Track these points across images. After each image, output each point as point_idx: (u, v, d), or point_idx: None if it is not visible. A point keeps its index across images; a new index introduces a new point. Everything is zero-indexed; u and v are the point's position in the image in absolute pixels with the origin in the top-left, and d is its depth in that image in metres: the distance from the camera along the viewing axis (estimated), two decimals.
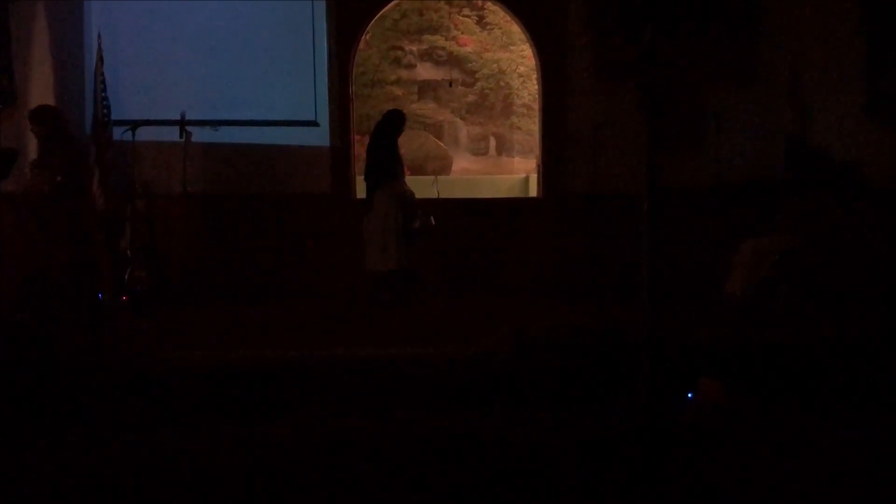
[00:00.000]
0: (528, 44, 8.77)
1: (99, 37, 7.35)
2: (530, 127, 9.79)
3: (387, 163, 7.01)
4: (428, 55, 9.91)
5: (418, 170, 9.51)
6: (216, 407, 4.28)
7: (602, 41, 7.99)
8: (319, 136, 7.97)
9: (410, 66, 9.91)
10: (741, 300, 6.30)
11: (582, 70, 8.00)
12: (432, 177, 8.78)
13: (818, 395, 3.65)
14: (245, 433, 2.72)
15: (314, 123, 7.92)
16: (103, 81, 7.30)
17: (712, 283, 6.86)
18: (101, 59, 7.29)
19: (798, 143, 7.39)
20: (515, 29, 9.28)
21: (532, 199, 8.71)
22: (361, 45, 8.39)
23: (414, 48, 9.90)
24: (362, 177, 7.44)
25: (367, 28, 8.32)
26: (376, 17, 8.28)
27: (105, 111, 7.30)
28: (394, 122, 7.17)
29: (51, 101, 7.33)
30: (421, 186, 7.85)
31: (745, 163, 7.91)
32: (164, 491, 2.48)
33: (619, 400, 3.40)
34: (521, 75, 9.92)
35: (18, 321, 5.75)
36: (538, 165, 8.51)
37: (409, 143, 9.16)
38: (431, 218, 7.06)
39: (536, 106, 9.01)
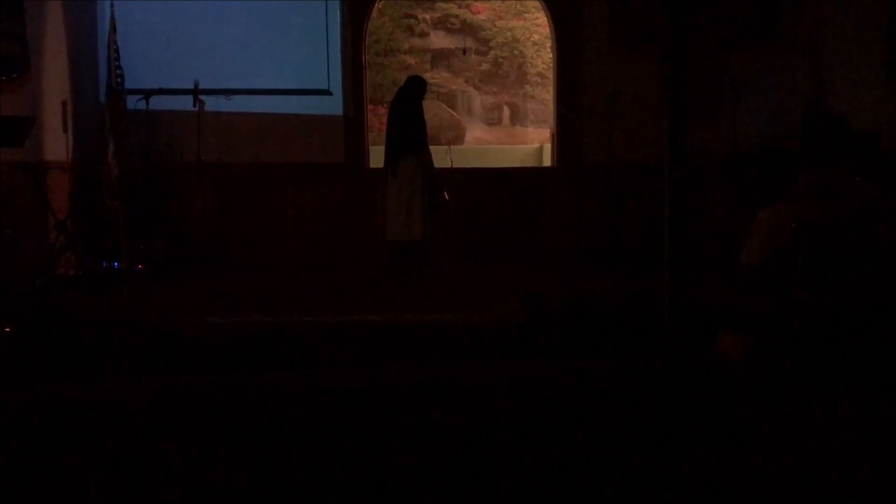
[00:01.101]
0: (542, 11, 8.69)
1: (112, 5, 7.32)
2: (544, 96, 9.72)
3: (412, 131, 6.82)
4: (441, 23, 9.83)
5: (432, 139, 9.42)
6: (231, 367, 4.32)
7: (618, 8, 7.90)
8: (333, 105, 7.95)
9: (423, 35, 9.84)
10: (758, 269, 6.26)
11: (597, 38, 7.92)
12: (446, 146, 8.73)
13: (838, 359, 3.64)
14: (263, 379, 2.76)
15: (327, 92, 7.89)
16: (116, 50, 7.28)
17: (728, 253, 6.83)
18: (114, 27, 7.27)
19: (817, 111, 7.30)
20: None
21: (546, 168, 8.67)
22: (374, 13, 8.33)
23: (427, 16, 9.81)
24: (378, 146, 7.39)
25: None
26: None
27: (118, 80, 7.29)
28: (418, 88, 6.97)
29: (64, 69, 7.34)
30: (435, 156, 7.82)
31: (762, 130, 7.83)
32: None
33: (631, 357, 3.41)
34: (535, 44, 9.83)
35: (38, 286, 5.80)
36: (552, 135, 8.46)
37: (424, 113, 9.09)
38: (445, 193, 6.95)
39: (551, 75, 8.95)
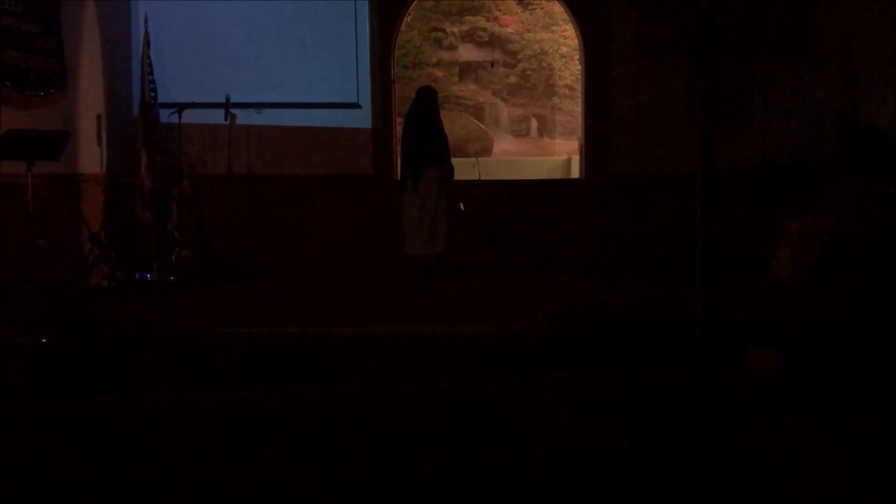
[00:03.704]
0: (570, 24, 8.70)
1: (146, 20, 7.46)
2: (572, 108, 9.72)
3: (435, 143, 6.70)
4: (469, 36, 9.88)
5: (460, 152, 9.49)
6: (259, 378, 4.36)
7: (645, 19, 7.90)
8: (361, 118, 8.02)
9: (451, 48, 9.89)
10: (789, 281, 6.20)
11: (625, 49, 7.92)
12: (473, 159, 8.77)
13: (873, 371, 3.59)
14: (287, 393, 2.79)
15: (356, 105, 7.97)
16: (150, 65, 7.41)
17: (758, 265, 6.77)
18: (147, 42, 7.40)
19: (848, 122, 7.23)
20: (558, 9, 9.20)
21: (574, 179, 8.66)
22: (403, 26, 8.40)
23: (455, 29, 9.87)
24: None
25: (409, 10, 8.33)
26: None
27: (152, 94, 7.42)
28: (433, 99, 6.84)
29: (99, 84, 7.48)
30: (462, 168, 7.85)
31: (792, 142, 7.76)
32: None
33: (662, 372, 3.38)
34: (563, 56, 9.84)
35: (73, 296, 5.91)
36: (580, 146, 8.45)
37: (450, 125, 9.13)
38: (461, 204, 6.85)
39: (578, 87, 8.94)
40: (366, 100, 8.01)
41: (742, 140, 7.69)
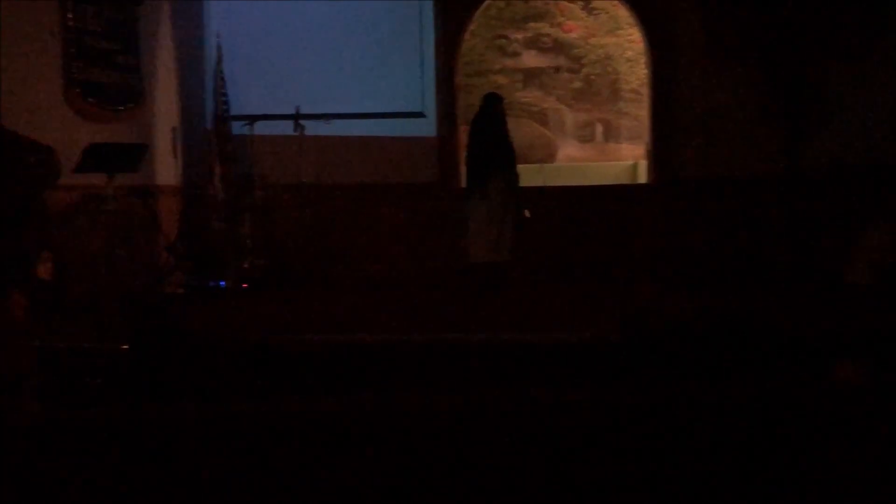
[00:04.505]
0: (635, 27, 8.62)
1: (219, 36, 7.69)
2: (638, 112, 9.61)
3: (502, 150, 6.71)
4: (533, 43, 9.86)
5: (523, 158, 9.47)
6: (331, 385, 4.44)
7: (713, 22, 7.78)
8: (426, 127, 8.10)
9: (515, 55, 9.89)
10: (865, 288, 6.02)
11: (692, 52, 7.82)
12: (538, 165, 8.75)
13: None
14: (365, 402, 2.83)
15: (421, 114, 8.05)
16: (223, 78, 7.63)
17: (831, 270, 6.59)
18: (220, 57, 7.63)
19: None
20: (622, 13, 9.11)
21: (641, 185, 8.57)
22: (466, 34, 8.45)
23: (519, 36, 9.87)
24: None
25: (473, 18, 8.37)
26: (482, 7, 8.33)
27: (225, 107, 7.63)
28: (499, 105, 6.86)
29: (174, 98, 7.73)
30: (527, 175, 7.83)
31: (867, 143, 7.54)
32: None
33: (736, 386, 3.32)
34: (628, 60, 9.74)
35: (152, 304, 6.11)
36: (647, 151, 8.37)
37: (514, 131, 9.12)
38: (526, 211, 6.83)
39: (644, 91, 8.85)
40: (430, 108, 8.08)
41: (815, 143, 7.51)
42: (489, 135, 6.81)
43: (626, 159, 9.67)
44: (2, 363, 4.68)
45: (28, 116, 5.66)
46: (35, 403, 4.58)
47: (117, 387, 4.65)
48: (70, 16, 6.32)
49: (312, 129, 7.78)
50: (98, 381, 4.75)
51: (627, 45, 9.68)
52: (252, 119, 7.48)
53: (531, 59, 9.87)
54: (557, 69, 9.76)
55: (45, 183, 4.65)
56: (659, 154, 7.97)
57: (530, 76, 9.89)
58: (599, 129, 9.87)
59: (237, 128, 7.64)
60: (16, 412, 4.39)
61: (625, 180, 9.29)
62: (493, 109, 6.86)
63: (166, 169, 7.52)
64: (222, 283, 7.10)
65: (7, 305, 4.73)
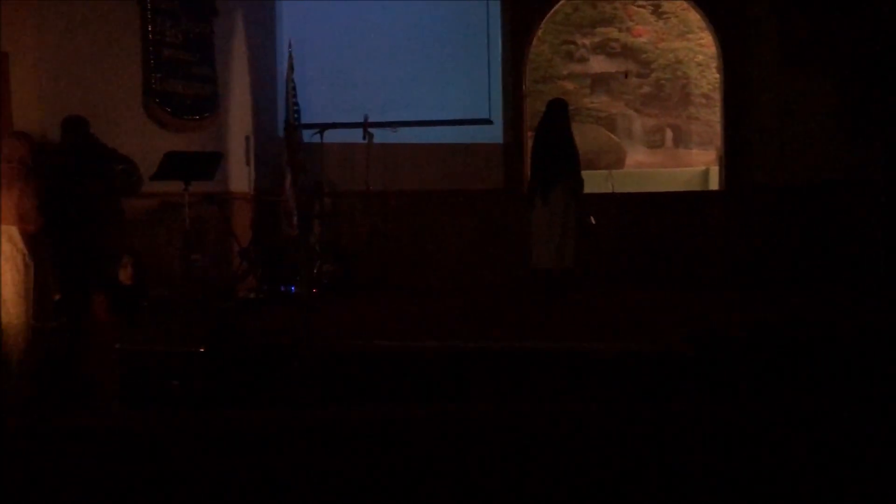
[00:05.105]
0: (707, 31, 8.47)
1: (290, 45, 7.84)
2: (709, 117, 9.44)
3: (566, 156, 6.66)
4: (601, 48, 9.78)
5: (590, 164, 9.39)
6: (401, 391, 4.47)
7: (789, 25, 7.59)
8: (493, 133, 8.10)
9: (583, 60, 9.82)
10: None
11: (766, 56, 7.65)
12: (605, 171, 8.64)
13: None
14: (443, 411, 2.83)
15: (488, 121, 8.04)
16: (294, 87, 7.77)
17: None
18: (291, 66, 7.77)
19: None
20: (693, 17, 8.97)
21: (713, 191, 8.40)
22: (533, 40, 8.43)
23: (587, 41, 9.80)
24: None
25: (541, 24, 8.35)
26: (549, 12, 8.30)
27: (295, 115, 7.77)
28: (564, 111, 6.82)
29: (247, 107, 7.91)
30: (594, 181, 7.76)
31: None
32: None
33: (820, 399, 3.20)
34: (699, 64, 9.58)
35: (227, 309, 6.26)
36: (719, 157, 8.20)
37: (581, 137, 9.05)
38: (592, 217, 6.75)
39: (716, 95, 8.69)
40: (497, 115, 8.08)
41: (893, 148, 7.26)
42: (552, 141, 6.76)
43: (696, 165, 9.50)
44: (85, 364, 4.86)
45: (108, 126, 5.87)
46: (117, 403, 4.74)
47: (194, 389, 4.78)
48: (150, 28, 6.54)
49: (380, 136, 7.86)
50: (175, 383, 4.89)
51: (698, 50, 9.51)
52: (322, 127, 7.59)
53: (599, 65, 9.79)
54: (626, 74, 9.65)
55: (129, 191, 4.81)
56: (731, 160, 7.80)
57: (598, 81, 9.80)
58: (669, 134, 9.72)
59: (308, 136, 7.77)
60: (99, 412, 4.54)
61: (696, 187, 9.12)
62: (557, 115, 6.81)
63: (239, 176, 7.69)
64: (292, 288, 7.21)
65: (90, 308, 4.91)
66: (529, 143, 8.26)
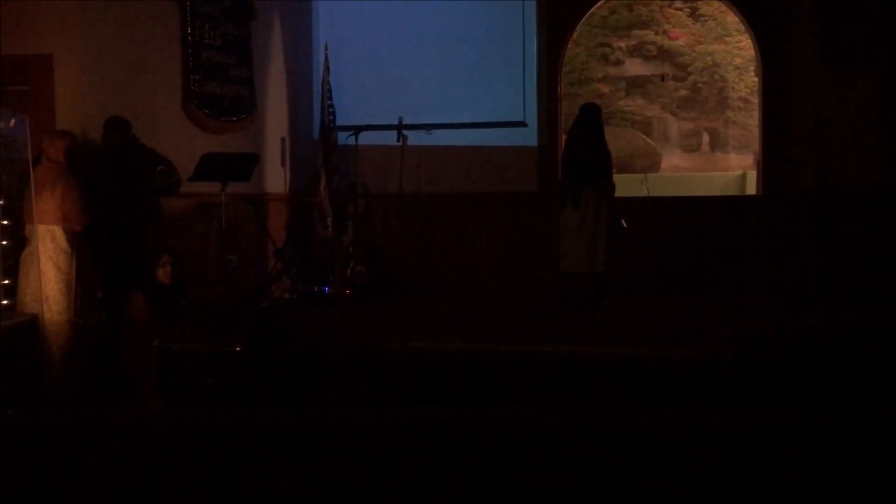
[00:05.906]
0: (745, 34, 8.37)
1: (326, 48, 7.89)
2: (747, 121, 9.32)
3: (597, 160, 6.59)
4: (637, 50, 9.72)
5: (626, 167, 9.34)
6: (434, 393, 4.48)
7: (829, 27, 7.46)
8: (527, 136, 8.08)
9: (618, 63, 9.76)
10: None
11: (806, 59, 7.51)
12: (641, 175, 8.58)
13: None
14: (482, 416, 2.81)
15: (522, 124, 8.03)
16: (329, 90, 7.82)
17: None
18: (327, 69, 7.83)
19: None
20: (731, 19, 8.88)
21: (751, 196, 8.29)
22: (569, 43, 8.39)
23: (622, 44, 9.74)
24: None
25: (576, 27, 8.31)
26: (585, 15, 8.26)
27: (331, 118, 7.82)
28: (597, 115, 6.74)
29: (283, 109, 7.98)
30: (629, 185, 7.70)
31: None
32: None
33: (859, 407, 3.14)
34: (737, 67, 9.47)
35: (264, 309, 6.31)
36: (757, 161, 8.09)
37: (616, 140, 9.00)
38: (623, 221, 6.67)
39: (754, 99, 8.59)
40: (532, 118, 8.06)
41: None
42: (585, 144, 6.71)
43: (733, 169, 9.39)
44: (124, 361, 4.94)
45: (148, 127, 5.96)
46: (154, 400, 4.81)
47: (230, 388, 4.82)
48: (189, 31, 6.62)
49: (414, 139, 7.89)
50: (211, 382, 4.95)
51: (736, 53, 9.41)
52: (357, 129, 7.63)
53: (635, 67, 9.72)
54: (663, 77, 9.57)
55: (168, 192, 4.88)
56: (770, 165, 7.69)
57: (633, 84, 9.73)
58: (706, 138, 9.62)
59: (343, 138, 7.81)
60: (137, 409, 4.61)
61: (733, 191, 9.01)
62: (590, 118, 6.75)
63: (275, 178, 7.76)
64: (326, 289, 7.26)
65: (129, 306, 4.99)
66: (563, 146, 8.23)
